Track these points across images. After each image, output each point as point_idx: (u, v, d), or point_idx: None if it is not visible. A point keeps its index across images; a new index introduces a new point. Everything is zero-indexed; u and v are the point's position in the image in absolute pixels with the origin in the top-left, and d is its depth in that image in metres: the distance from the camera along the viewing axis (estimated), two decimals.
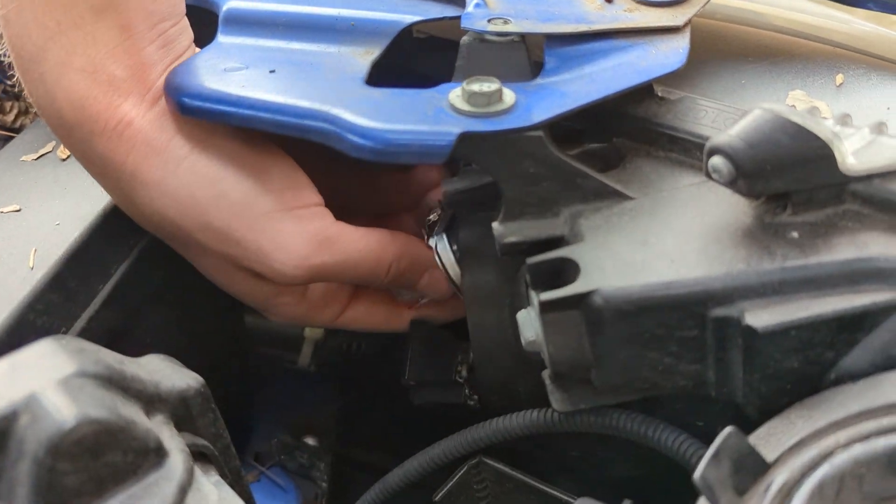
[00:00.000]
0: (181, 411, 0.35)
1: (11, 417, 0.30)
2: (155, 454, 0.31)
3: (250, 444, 0.66)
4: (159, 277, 0.51)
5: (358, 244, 0.46)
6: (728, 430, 0.31)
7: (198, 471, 0.34)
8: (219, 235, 0.44)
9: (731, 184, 0.35)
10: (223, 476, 0.37)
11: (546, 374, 0.42)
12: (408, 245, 0.49)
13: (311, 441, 0.61)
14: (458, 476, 0.48)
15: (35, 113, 0.65)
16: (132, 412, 0.32)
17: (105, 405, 0.30)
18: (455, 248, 0.48)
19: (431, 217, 0.51)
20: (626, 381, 0.37)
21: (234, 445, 0.55)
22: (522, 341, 0.40)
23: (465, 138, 0.37)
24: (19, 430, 0.30)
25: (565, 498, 0.45)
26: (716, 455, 0.30)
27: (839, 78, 0.45)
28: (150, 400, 0.34)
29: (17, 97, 0.65)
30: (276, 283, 0.47)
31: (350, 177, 0.51)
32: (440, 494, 0.47)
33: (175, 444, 0.33)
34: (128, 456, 0.30)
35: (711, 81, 0.45)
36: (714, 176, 0.35)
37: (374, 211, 0.51)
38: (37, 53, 0.42)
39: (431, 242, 0.48)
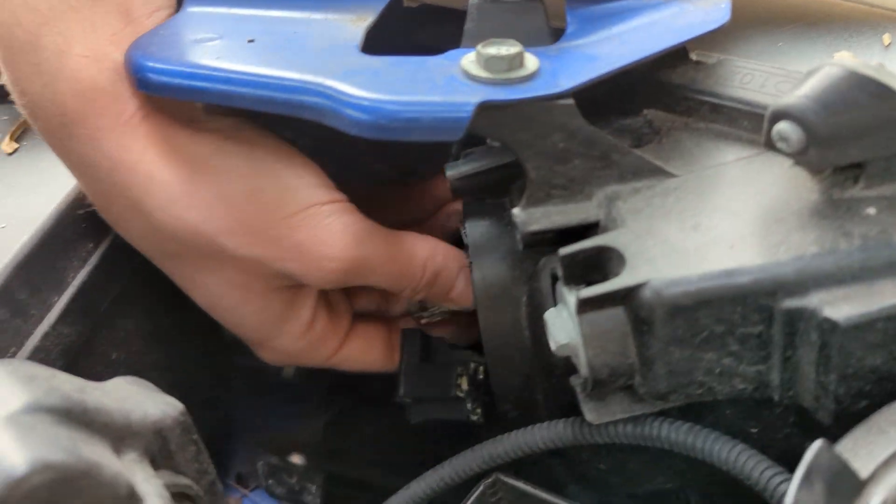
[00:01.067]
0: (157, 445, 0.29)
1: None
2: (127, 502, 0.25)
3: (232, 464, 0.60)
4: (123, 285, 0.45)
5: (391, 239, 0.43)
6: (818, 444, 0.26)
7: None
8: (252, 235, 0.40)
9: (801, 153, 0.30)
10: None
11: (576, 380, 0.36)
12: (438, 244, 0.45)
13: (298, 460, 0.55)
14: (473, 496, 0.43)
15: None
16: (97, 452, 0.26)
17: (62, 446, 0.25)
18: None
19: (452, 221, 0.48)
20: (675, 387, 0.32)
21: (216, 468, 0.49)
22: (552, 345, 0.35)
23: (485, 109, 0.32)
24: None
25: None
26: (807, 476, 0.26)
27: (886, 38, 0.40)
28: (120, 435, 0.28)
29: None
30: (295, 298, 0.44)
31: (361, 189, 0.47)
32: None
33: (151, 488, 0.27)
34: None
35: (744, 45, 0.40)
36: (780, 145, 0.30)
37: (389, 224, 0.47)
38: (29, 42, 0.36)
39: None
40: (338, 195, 0.42)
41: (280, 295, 0.43)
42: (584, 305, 0.31)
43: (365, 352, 0.48)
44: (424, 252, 0.44)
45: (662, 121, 0.37)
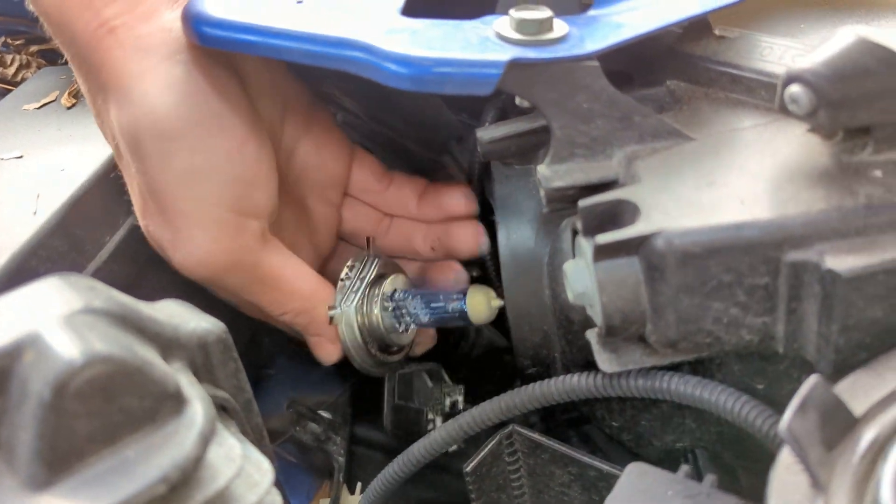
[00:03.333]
0: (200, 359, 0.32)
1: (13, 355, 0.26)
2: (174, 400, 0.28)
3: (263, 418, 0.63)
4: None
5: (264, 278, 0.44)
6: (813, 379, 0.28)
7: (220, 423, 0.31)
8: (149, 189, 0.40)
9: (811, 116, 0.32)
10: (244, 433, 0.34)
11: (591, 333, 0.38)
12: (321, 310, 0.47)
13: (326, 415, 0.58)
14: (490, 445, 0.45)
15: (37, 66, 0.61)
16: (149, 353, 0.28)
17: (118, 343, 0.27)
18: (361, 316, 0.47)
19: (344, 277, 0.47)
20: (685, 336, 0.34)
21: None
22: (570, 295, 0.37)
23: (515, 67, 0.34)
24: (22, 368, 0.26)
25: (607, 468, 0.42)
26: (802, 406, 0.27)
27: None
28: (168, 344, 0.31)
29: (19, 51, 0.62)
30: None
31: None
32: (472, 464, 0.44)
33: (196, 392, 0.29)
34: (144, 400, 0.27)
35: (768, 24, 0.42)
36: (791, 107, 0.32)
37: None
38: None
39: (334, 312, 0.47)
40: (262, 207, 0.43)
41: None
42: (601, 252, 0.33)
43: None
44: (289, 307, 0.46)
45: (684, 91, 0.39)
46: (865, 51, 0.31)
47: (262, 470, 0.31)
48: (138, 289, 0.46)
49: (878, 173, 0.32)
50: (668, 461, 0.47)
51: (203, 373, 0.32)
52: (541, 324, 0.45)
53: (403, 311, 0.48)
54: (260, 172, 0.43)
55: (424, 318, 0.48)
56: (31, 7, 0.41)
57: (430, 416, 0.54)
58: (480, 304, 0.47)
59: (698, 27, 0.40)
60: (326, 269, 0.53)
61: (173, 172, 0.40)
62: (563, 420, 0.53)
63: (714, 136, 0.36)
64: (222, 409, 0.33)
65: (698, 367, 0.39)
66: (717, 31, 0.40)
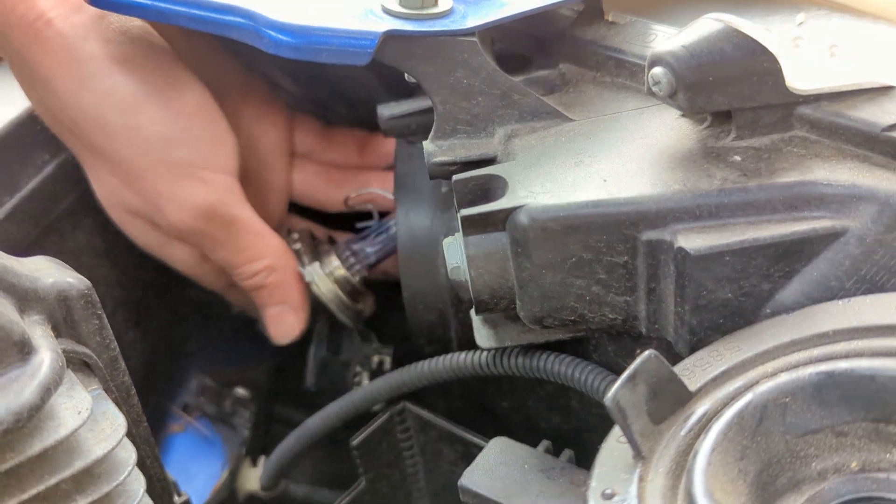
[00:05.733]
0: (61, 314, 0.32)
1: None
2: (18, 349, 0.28)
3: (179, 393, 0.63)
4: (77, 197, 0.48)
5: (244, 232, 0.47)
6: (647, 353, 0.28)
7: (74, 377, 0.31)
8: (121, 166, 0.43)
9: (672, 97, 0.32)
10: (107, 391, 0.34)
11: (473, 312, 0.39)
12: (290, 270, 0.49)
13: (241, 391, 0.58)
14: (379, 422, 0.45)
15: None
16: None
17: None
18: (326, 269, 0.51)
19: (296, 246, 0.52)
20: (549, 313, 0.35)
21: (160, 393, 0.52)
22: (448, 269, 0.37)
23: (391, 39, 0.34)
24: None
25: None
26: (631, 377, 0.28)
27: (801, 17, 0.42)
28: (25, 296, 0.31)
29: None
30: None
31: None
32: (358, 439, 0.44)
33: (46, 343, 0.30)
34: None
35: (667, 15, 0.43)
36: (654, 89, 0.32)
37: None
38: None
39: (305, 272, 0.50)
40: (223, 163, 0.45)
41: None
42: (468, 225, 0.34)
43: None
44: (261, 263, 0.48)
45: (574, 73, 0.40)
46: (724, 36, 0.31)
47: (115, 424, 0.31)
48: (37, 252, 0.47)
49: (737, 158, 0.33)
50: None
51: (64, 328, 0.32)
52: (436, 303, 0.45)
53: (354, 258, 0.53)
54: (218, 131, 0.45)
55: (373, 258, 0.53)
56: None
57: (358, 369, 0.55)
58: None
59: (591, 12, 0.40)
60: None
61: (144, 141, 0.43)
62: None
63: (593, 118, 0.37)
64: (84, 365, 0.33)
65: (578, 347, 0.40)
66: (609, 17, 0.40)
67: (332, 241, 0.55)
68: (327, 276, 0.51)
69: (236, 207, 0.46)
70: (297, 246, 0.52)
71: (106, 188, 0.46)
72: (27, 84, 0.43)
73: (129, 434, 0.35)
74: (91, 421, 0.31)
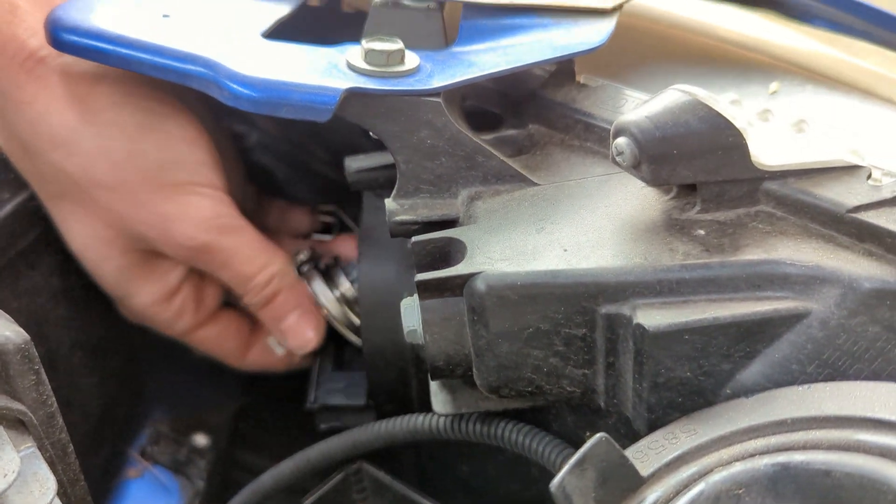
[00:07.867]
0: None
1: None
2: None
3: (138, 437, 0.61)
4: (36, 237, 0.47)
5: (250, 242, 0.46)
6: (597, 436, 0.27)
7: (5, 436, 0.30)
8: (125, 194, 0.43)
9: (635, 168, 0.31)
10: (42, 449, 0.33)
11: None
12: (291, 272, 0.49)
13: (200, 438, 0.56)
14: (333, 481, 0.44)
15: None
16: None
17: None
18: (336, 291, 0.50)
19: (300, 256, 0.51)
20: (507, 382, 0.34)
21: (118, 437, 0.50)
22: (404, 331, 0.36)
23: (354, 96, 0.34)
24: None
25: None
26: (580, 462, 0.27)
27: (773, 86, 0.42)
28: None
29: None
30: (159, 263, 0.46)
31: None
32: (309, 500, 0.43)
33: None
34: None
35: (644, 79, 0.42)
36: (618, 159, 0.32)
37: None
38: None
39: (313, 286, 0.49)
40: (217, 180, 0.45)
41: (142, 257, 0.45)
42: (424, 288, 0.33)
43: (219, 341, 0.50)
44: (275, 268, 0.47)
45: (542, 135, 0.39)
46: (689, 109, 0.31)
47: (44, 487, 0.30)
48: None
49: (701, 232, 0.32)
50: None
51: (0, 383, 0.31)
52: (397, 360, 0.44)
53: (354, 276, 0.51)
54: (216, 157, 0.46)
55: None
56: None
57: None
58: None
59: (563, 74, 0.40)
60: None
61: (151, 165, 0.43)
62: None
63: (558, 183, 0.36)
64: (19, 422, 0.32)
65: (538, 416, 0.39)
66: (581, 80, 0.40)
67: (336, 261, 0.53)
68: (338, 300, 0.50)
69: (239, 218, 0.46)
70: (305, 268, 0.51)
71: (86, 231, 0.45)
72: (8, 130, 0.42)
73: (64, 495, 0.33)
74: (20, 482, 0.29)
